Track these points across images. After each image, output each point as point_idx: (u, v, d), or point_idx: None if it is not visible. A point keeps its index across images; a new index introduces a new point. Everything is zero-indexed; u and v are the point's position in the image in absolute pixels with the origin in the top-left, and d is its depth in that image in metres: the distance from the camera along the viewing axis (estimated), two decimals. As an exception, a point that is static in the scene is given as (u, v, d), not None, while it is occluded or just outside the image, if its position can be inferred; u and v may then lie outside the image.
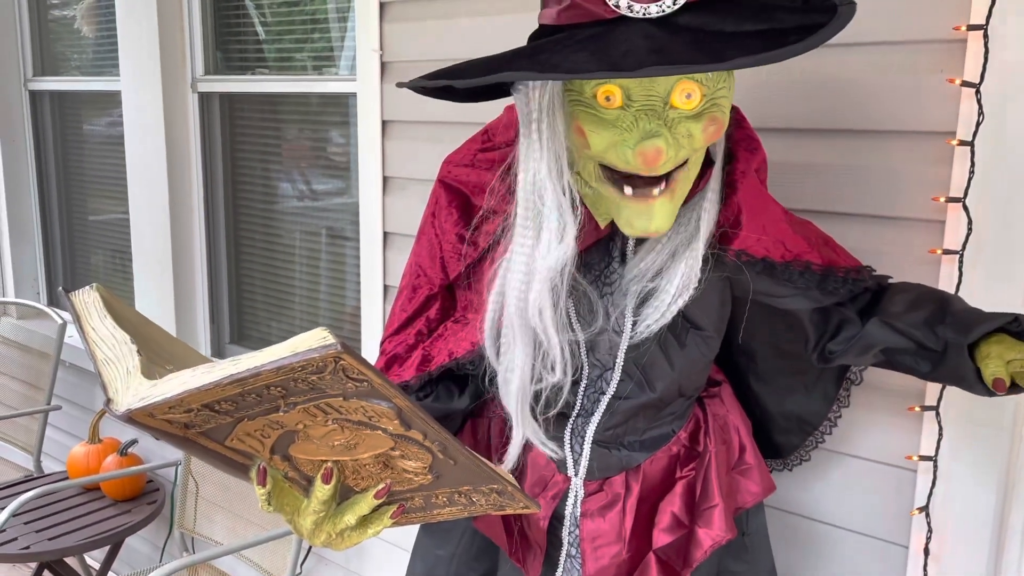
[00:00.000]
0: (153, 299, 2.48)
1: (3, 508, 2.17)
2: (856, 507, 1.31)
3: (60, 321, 2.59)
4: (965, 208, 1.14)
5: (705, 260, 0.99)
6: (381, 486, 0.77)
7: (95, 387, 2.69)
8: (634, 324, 1.03)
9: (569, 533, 1.14)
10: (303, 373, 0.60)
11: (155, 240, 2.43)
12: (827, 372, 1.21)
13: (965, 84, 1.11)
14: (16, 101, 2.92)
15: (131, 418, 0.64)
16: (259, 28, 2.30)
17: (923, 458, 1.21)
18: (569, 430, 1.12)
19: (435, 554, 1.25)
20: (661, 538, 1.10)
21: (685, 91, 0.87)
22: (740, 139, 1.02)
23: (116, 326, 0.73)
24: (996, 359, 0.89)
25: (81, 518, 2.26)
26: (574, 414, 1.12)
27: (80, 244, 3.01)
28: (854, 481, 1.31)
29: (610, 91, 0.87)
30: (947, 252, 1.16)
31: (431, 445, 0.70)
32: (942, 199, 1.15)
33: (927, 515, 1.22)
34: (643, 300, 1.01)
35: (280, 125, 2.31)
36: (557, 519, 1.15)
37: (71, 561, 2.54)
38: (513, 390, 0.99)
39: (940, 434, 1.19)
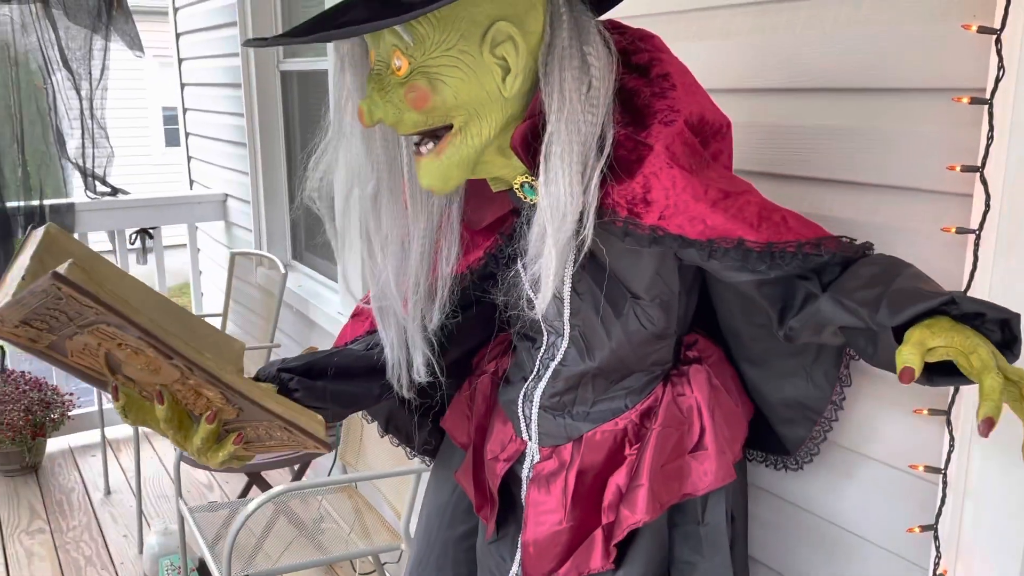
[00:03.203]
0: (352, 255, 2.77)
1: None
2: (879, 517, 1.16)
3: (283, 272, 3.00)
4: (983, 180, 0.96)
5: (616, 235, 0.95)
6: (209, 413, 0.87)
7: (310, 328, 3.07)
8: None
9: (525, 495, 1.15)
10: (51, 299, 0.72)
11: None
12: (827, 350, 1.09)
13: (983, 30, 0.93)
14: (271, 82, 3.39)
15: None
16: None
17: (930, 470, 1.04)
18: (522, 393, 1.13)
19: (435, 503, 1.33)
20: (608, 515, 1.08)
21: (395, 58, 0.89)
22: (659, 110, 0.95)
23: (30, 258, 0.89)
24: (913, 345, 0.75)
25: (275, 441, 2.63)
26: (530, 377, 1.13)
27: (320, 206, 3.42)
28: (878, 488, 1.16)
29: (371, 53, 0.92)
30: (962, 231, 0.98)
31: (198, 376, 0.79)
32: (958, 168, 0.98)
33: (936, 535, 1.05)
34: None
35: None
36: (516, 480, 1.17)
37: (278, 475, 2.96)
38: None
39: (951, 444, 1.02)
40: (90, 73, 3.37)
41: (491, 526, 1.18)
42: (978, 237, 0.97)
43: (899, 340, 0.80)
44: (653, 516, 1.03)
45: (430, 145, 0.93)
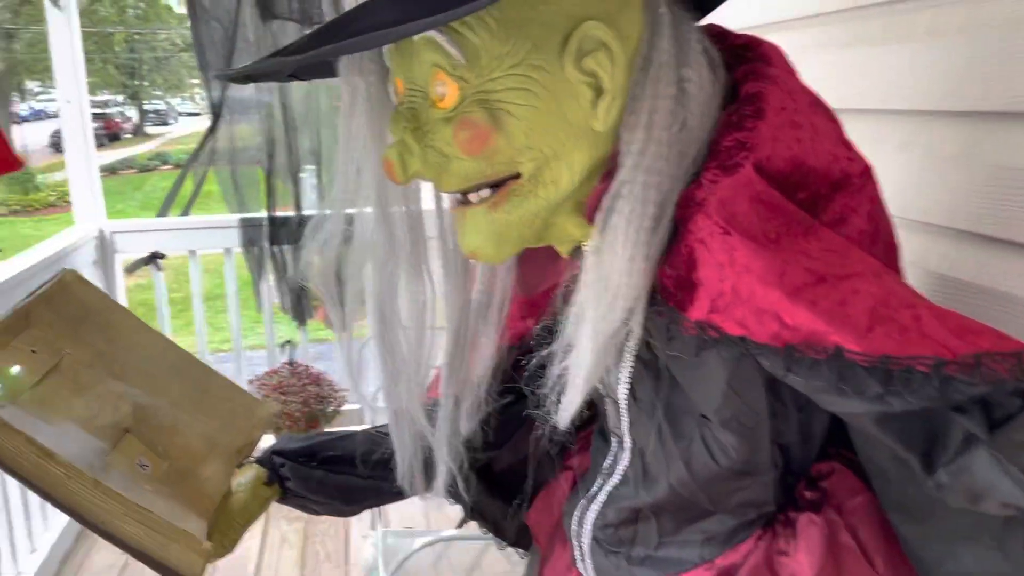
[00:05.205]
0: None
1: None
2: None
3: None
4: None
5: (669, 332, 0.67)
6: None
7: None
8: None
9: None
10: None
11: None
12: None
13: None
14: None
15: None
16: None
17: None
18: (579, 510, 0.88)
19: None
20: None
21: (437, 82, 0.64)
22: (725, 148, 0.65)
23: (13, 310, 0.84)
24: None
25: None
26: (591, 491, 0.88)
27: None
28: None
29: (397, 81, 0.68)
30: None
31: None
32: None
33: None
34: None
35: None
36: (574, 618, 0.92)
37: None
38: None
39: None
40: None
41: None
42: None
43: None
44: None
45: (484, 192, 0.69)
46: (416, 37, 0.64)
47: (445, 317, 0.83)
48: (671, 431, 0.75)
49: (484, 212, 0.68)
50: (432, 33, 0.63)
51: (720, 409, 0.71)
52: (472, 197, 0.69)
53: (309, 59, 0.62)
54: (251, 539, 3.03)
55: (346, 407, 3.75)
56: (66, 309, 0.88)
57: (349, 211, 0.77)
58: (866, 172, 0.71)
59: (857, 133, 0.72)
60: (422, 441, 0.86)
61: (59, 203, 14.99)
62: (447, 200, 0.78)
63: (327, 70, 0.73)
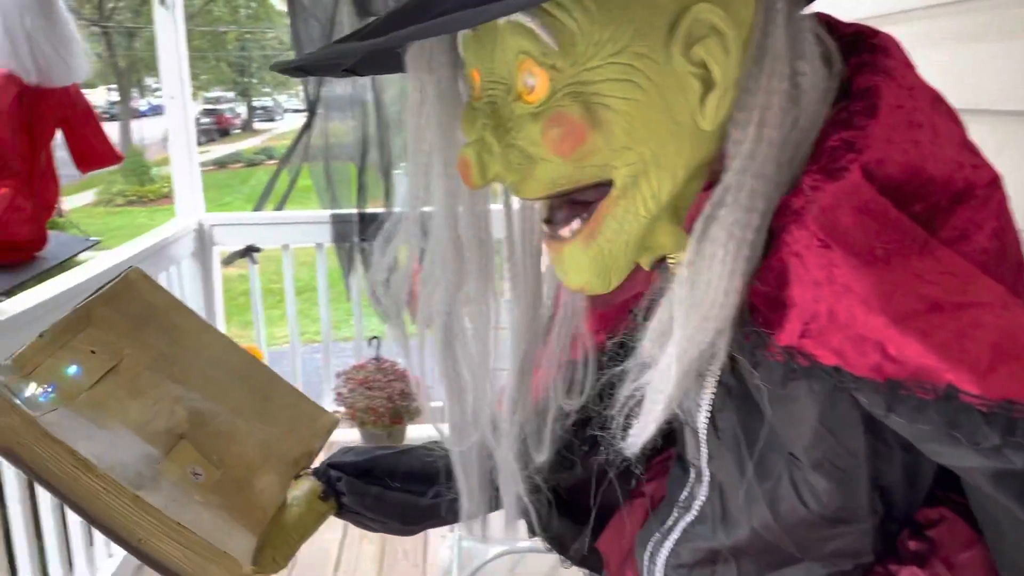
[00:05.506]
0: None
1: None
2: None
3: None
4: None
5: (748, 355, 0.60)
6: None
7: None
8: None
9: None
10: None
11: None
12: None
13: None
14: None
15: None
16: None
17: None
18: (652, 544, 0.81)
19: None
20: None
21: (525, 72, 0.56)
22: (830, 148, 0.57)
23: (76, 309, 0.82)
24: None
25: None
26: (666, 524, 0.80)
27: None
28: None
29: (472, 73, 0.61)
30: None
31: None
32: None
33: None
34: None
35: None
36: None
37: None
38: None
39: None
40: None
41: None
42: None
43: None
44: None
45: (575, 224, 0.61)
46: (501, 21, 0.57)
47: (510, 330, 0.77)
48: (755, 468, 0.67)
49: (582, 248, 0.61)
50: (520, 16, 0.56)
51: (810, 449, 0.63)
52: (563, 232, 0.62)
53: (386, 44, 0.55)
54: (331, 533, 3.05)
55: (432, 404, 3.74)
56: (130, 308, 0.86)
57: (422, 216, 0.72)
58: (993, 182, 0.61)
59: (977, 137, 0.63)
60: (491, 476, 0.80)
61: (171, 194, 15.66)
62: (516, 200, 0.72)
63: (391, 64, 0.68)
